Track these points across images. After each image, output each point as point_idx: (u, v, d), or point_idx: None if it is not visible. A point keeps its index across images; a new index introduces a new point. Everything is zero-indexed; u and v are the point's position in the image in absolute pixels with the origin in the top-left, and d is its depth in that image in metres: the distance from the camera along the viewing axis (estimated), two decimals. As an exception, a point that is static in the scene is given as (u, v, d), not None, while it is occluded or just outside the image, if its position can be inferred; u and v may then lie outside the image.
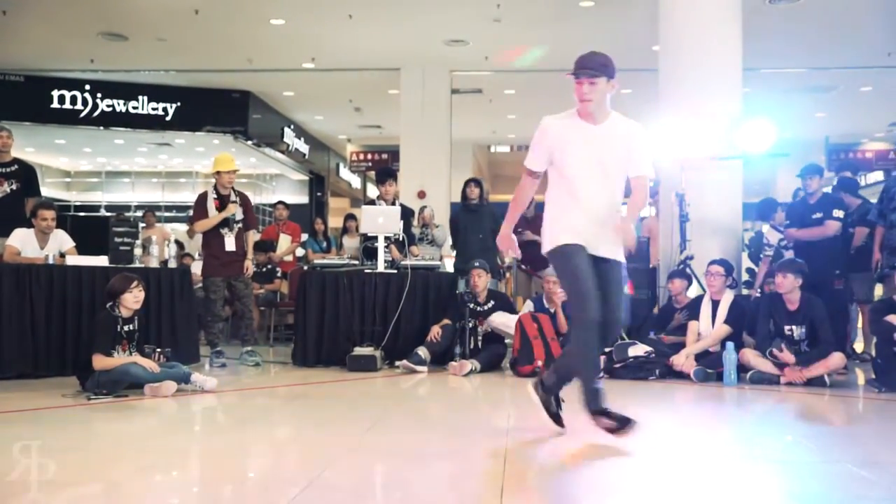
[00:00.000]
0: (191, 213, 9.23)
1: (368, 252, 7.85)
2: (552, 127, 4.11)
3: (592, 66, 3.96)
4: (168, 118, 14.67)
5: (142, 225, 10.95)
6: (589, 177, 3.96)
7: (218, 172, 7.40)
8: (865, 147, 18.73)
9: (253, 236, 7.70)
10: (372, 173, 18.39)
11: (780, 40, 11.38)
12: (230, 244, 7.28)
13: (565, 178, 4.01)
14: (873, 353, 6.64)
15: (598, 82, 3.94)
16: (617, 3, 10.22)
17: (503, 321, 7.09)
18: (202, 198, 7.44)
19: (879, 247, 6.85)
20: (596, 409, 3.87)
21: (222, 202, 7.35)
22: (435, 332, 7.00)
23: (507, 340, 7.28)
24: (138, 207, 18.60)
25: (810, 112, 15.95)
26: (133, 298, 5.58)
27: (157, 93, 14.51)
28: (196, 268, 9.62)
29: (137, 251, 7.33)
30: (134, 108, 14.49)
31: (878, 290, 7.72)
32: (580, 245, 3.90)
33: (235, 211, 7.32)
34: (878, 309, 6.41)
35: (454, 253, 8.75)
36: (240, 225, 7.37)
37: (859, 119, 17.04)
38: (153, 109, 14.58)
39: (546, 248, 4.05)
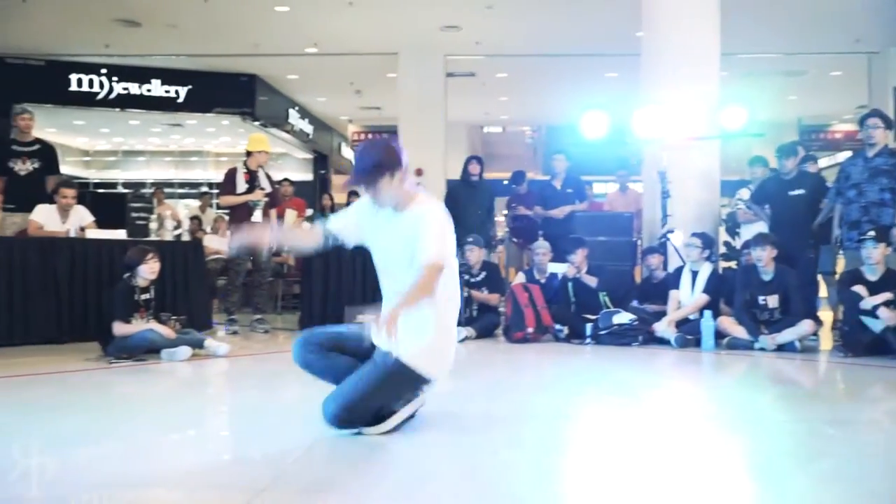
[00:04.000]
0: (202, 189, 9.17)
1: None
2: (367, 203, 3.36)
3: (365, 175, 3.16)
4: (180, 100, 14.57)
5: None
6: (396, 269, 3.26)
7: (249, 152, 7.39)
8: (835, 128, 18.78)
9: (274, 214, 7.64)
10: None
11: (756, 27, 11.33)
12: (256, 216, 7.24)
13: (381, 277, 3.38)
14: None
15: (380, 186, 3.16)
16: (603, -10, 10.16)
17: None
18: (231, 173, 7.40)
19: (839, 222, 6.87)
20: None
21: (251, 178, 7.34)
22: None
23: (500, 309, 7.31)
24: (153, 185, 18.52)
25: (784, 95, 15.93)
26: (149, 269, 5.60)
27: (169, 76, 14.41)
28: (209, 241, 9.63)
29: (153, 225, 7.34)
30: (148, 90, 14.39)
31: (840, 263, 7.76)
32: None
33: (261, 198, 7.26)
34: (844, 280, 6.44)
35: None
36: (266, 199, 7.35)
37: (830, 102, 17.02)
38: (166, 92, 14.48)
39: None
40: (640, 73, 8.48)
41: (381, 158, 3.17)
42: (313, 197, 15.38)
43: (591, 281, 7.12)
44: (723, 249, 8.55)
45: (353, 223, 3.37)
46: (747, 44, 12.06)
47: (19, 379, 4.73)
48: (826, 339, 7.02)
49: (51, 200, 6.86)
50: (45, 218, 6.70)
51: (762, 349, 6.21)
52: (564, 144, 10.15)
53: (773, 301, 6.45)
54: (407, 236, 3.16)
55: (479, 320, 7.11)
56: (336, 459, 2.82)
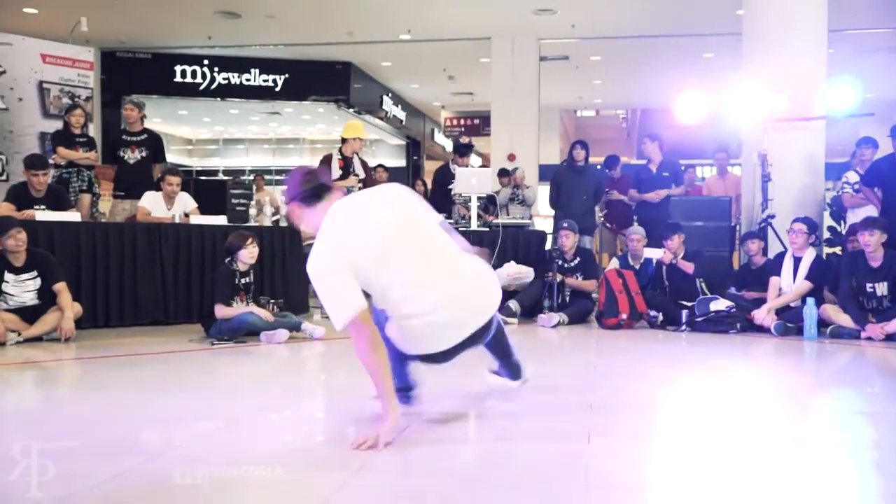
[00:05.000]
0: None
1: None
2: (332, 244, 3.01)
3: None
4: (277, 89, 14.89)
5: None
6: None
7: (344, 139, 7.48)
8: (952, 107, 17.72)
9: None
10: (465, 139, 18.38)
11: (865, 1, 10.80)
12: None
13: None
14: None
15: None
16: (702, -32, 9.86)
17: (515, 270, 7.05)
18: (327, 159, 7.49)
19: None
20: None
21: (346, 164, 7.43)
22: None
23: (593, 295, 7.21)
24: (252, 171, 19.01)
25: (895, 72, 15.12)
26: (248, 254, 5.71)
27: (267, 66, 14.73)
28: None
29: (252, 211, 7.50)
30: (247, 80, 14.74)
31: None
32: None
33: (355, 185, 7.34)
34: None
35: (553, 212, 8.67)
36: (361, 185, 7.44)
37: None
38: (264, 81, 14.81)
39: None
40: (742, 52, 8.22)
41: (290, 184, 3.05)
42: (406, 182, 15.45)
43: (688, 267, 6.95)
44: (827, 235, 8.24)
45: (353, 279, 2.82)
46: (857, 19, 11.48)
47: (129, 358, 4.91)
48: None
49: (157, 188, 7.05)
50: (151, 204, 6.90)
51: (869, 339, 5.94)
52: (659, 128, 9.94)
53: (881, 288, 6.16)
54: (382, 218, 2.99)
55: (572, 306, 7.02)
56: (428, 441, 2.83)
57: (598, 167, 10.26)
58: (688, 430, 3.23)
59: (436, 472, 2.49)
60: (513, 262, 7.21)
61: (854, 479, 2.61)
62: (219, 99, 15.15)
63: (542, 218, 9.58)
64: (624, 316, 6.63)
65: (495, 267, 7.21)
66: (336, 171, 7.35)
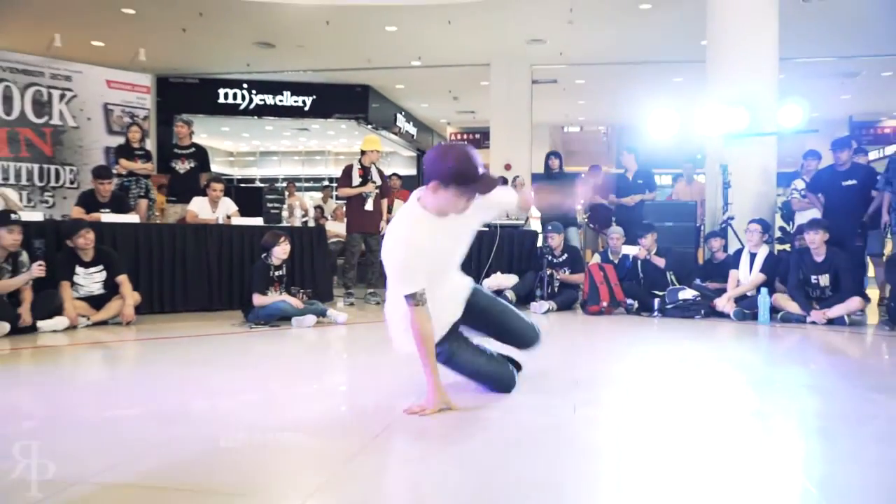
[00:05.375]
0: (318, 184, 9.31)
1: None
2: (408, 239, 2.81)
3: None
4: (306, 108, 14.90)
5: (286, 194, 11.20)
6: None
7: (363, 151, 7.47)
8: (885, 124, 17.70)
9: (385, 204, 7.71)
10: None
11: (812, 33, 10.77)
12: (369, 205, 7.36)
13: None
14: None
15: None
16: (670, 4, 9.82)
17: (496, 281, 7.08)
18: (348, 168, 7.45)
19: (888, 210, 6.50)
20: None
21: (365, 172, 7.41)
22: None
23: (579, 286, 7.22)
24: (284, 179, 19.02)
25: (836, 94, 15.10)
26: (281, 250, 5.73)
27: (297, 88, 14.75)
28: (330, 226, 9.83)
29: (284, 213, 7.50)
30: (280, 101, 14.76)
31: (888, 246, 7.37)
32: None
33: (372, 190, 7.34)
34: (892, 261, 6.13)
35: (538, 214, 8.68)
36: (377, 192, 7.45)
37: (880, 100, 16.07)
38: (294, 102, 14.82)
39: None
40: (706, 77, 8.21)
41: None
42: (416, 187, 15.50)
43: (659, 261, 6.96)
44: (778, 234, 8.23)
45: (421, 273, 2.77)
46: (803, 50, 11.53)
47: (179, 339, 4.95)
48: (872, 315, 6.67)
49: (204, 193, 7.08)
50: (199, 208, 6.94)
51: (813, 323, 5.96)
52: (634, 142, 9.89)
53: (824, 280, 6.18)
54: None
55: (560, 295, 7.04)
56: (443, 409, 2.84)
57: (583, 175, 10.25)
58: (660, 401, 3.23)
59: (441, 437, 2.50)
60: (498, 273, 7.23)
61: (801, 444, 2.61)
62: (256, 117, 15.18)
63: (534, 219, 9.59)
64: (605, 304, 6.66)
65: (492, 267, 7.25)
66: (356, 179, 7.36)
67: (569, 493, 2.00)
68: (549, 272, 7.03)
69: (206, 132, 18.02)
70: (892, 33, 11.14)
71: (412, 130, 18.28)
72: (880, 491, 2.06)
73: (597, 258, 7.39)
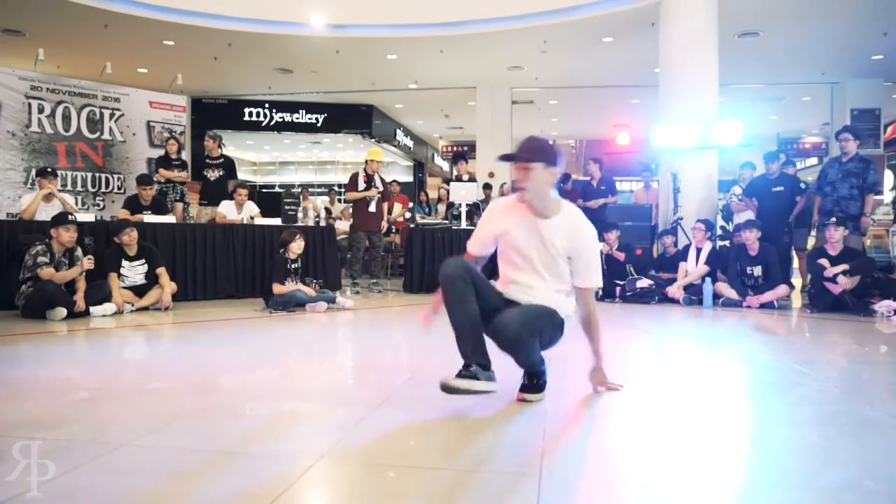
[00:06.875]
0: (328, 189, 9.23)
1: (454, 215, 7.89)
2: (496, 210, 2.64)
3: (527, 151, 2.44)
4: (318, 124, 14.82)
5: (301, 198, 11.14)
6: (521, 270, 2.58)
7: (367, 160, 7.47)
8: (805, 140, 17.99)
9: (386, 206, 7.70)
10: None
11: (745, 64, 10.88)
12: (372, 207, 7.35)
13: (503, 264, 2.66)
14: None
15: (534, 168, 2.41)
16: (629, 38, 9.82)
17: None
18: (354, 176, 7.48)
19: (818, 211, 6.56)
20: None
21: (369, 179, 7.40)
22: None
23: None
24: (300, 186, 18.93)
25: (766, 115, 15.24)
26: (297, 246, 5.73)
27: (311, 107, 14.67)
28: (338, 225, 9.80)
29: (300, 215, 7.47)
30: (296, 118, 14.68)
31: (810, 241, 7.45)
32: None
33: (375, 195, 7.34)
34: (812, 254, 6.19)
35: None
36: (379, 196, 7.43)
37: (801, 120, 16.29)
38: (309, 119, 14.74)
39: None
40: (658, 99, 8.23)
41: (545, 147, 2.47)
42: (413, 194, 15.48)
43: (620, 256, 6.97)
44: (720, 232, 8.27)
45: (490, 237, 2.62)
46: (740, 78, 11.66)
47: (209, 323, 4.94)
48: (797, 300, 6.73)
49: (230, 197, 7.07)
50: (227, 210, 6.92)
51: (748, 307, 6.00)
52: (599, 153, 9.89)
53: (757, 271, 6.23)
54: (554, 244, 2.49)
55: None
56: (433, 388, 2.84)
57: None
58: (622, 375, 3.24)
59: (435, 409, 2.50)
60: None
61: (736, 407, 2.63)
62: (276, 132, 15.09)
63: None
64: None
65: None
66: (361, 184, 7.35)
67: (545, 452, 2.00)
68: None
69: (233, 145, 17.93)
70: (811, 65, 11.38)
71: (409, 143, 18.23)
72: (807, 448, 2.07)
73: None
